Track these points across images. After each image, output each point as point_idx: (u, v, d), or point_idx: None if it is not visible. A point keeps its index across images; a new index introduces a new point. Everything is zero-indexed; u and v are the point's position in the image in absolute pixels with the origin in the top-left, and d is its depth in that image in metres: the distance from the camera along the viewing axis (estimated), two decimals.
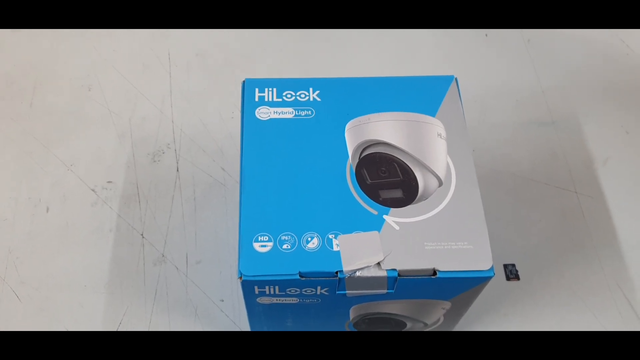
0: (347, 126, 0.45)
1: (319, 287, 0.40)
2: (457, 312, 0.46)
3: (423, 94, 0.46)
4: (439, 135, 0.44)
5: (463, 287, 0.41)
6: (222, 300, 0.56)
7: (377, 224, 0.40)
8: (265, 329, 0.50)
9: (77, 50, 0.73)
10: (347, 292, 0.41)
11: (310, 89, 0.47)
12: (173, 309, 0.56)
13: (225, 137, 0.66)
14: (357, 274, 0.39)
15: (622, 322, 0.56)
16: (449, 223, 0.41)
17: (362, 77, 0.48)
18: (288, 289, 0.40)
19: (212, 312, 0.56)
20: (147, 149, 0.65)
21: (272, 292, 0.41)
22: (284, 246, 0.40)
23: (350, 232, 0.40)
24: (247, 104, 0.46)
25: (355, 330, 0.49)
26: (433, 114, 0.45)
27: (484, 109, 0.69)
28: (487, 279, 0.40)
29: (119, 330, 0.55)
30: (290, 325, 0.48)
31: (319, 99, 0.46)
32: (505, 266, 0.58)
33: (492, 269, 0.39)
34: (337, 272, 0.39)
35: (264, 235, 0.40)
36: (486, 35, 0.76)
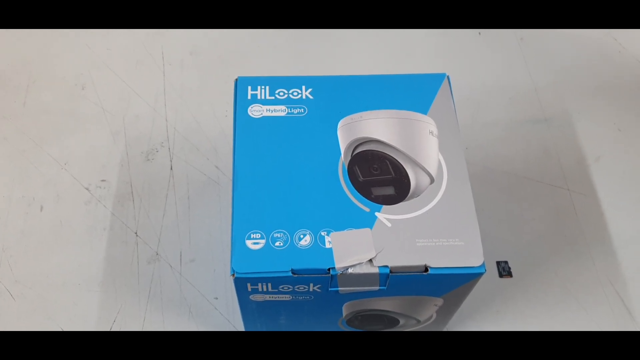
0: (340, 124, 0.45)
1: (311, 284, 0.41)
2: (449, 308, 0.46)
3: (415, 92, 0.47)
4: (431, 132, 0.45)
5: (454, 283, 0.41)
6: (216, 298, 0.56)
7: (369, 221, 0.41)
8: (258, 327, 0.50)
9: (70, 49, 0.73)
10: (339, 289, 0.41)
11: (303, 87, 0.47)
12: (167, 307, 0.56)
13: (218, 135, 0.66)
14: (350, 270, 0.39)
15: (614, 318, 0.56)
16: (441, 220, 0.41)
17: (354, 75, 0.48)
18: (281, 286, 0.41)
19: (206, 310, 0.56)
20: (140, 148, 0.65)
21: (264, 289, 0.41)
22: (277, 243, 0.40)
23: (343, 229, 0.40)
24: (240, 101, 0.46)
25: (349, 327, 0.49)
26: (425, 112, 0.46)
27: (477, 107, 0.69)
28: (479, 275, 0.40)
29: (112, 329, 0.55)
30: (283, 322, 0.48)
31: (311, 97, 0.46)
32: (498, 263, 0.59)
33: (483, 265, 0.40)
34: (329, 269, 0.39)
35: (256, 232, 0.40)
36: (479, 33, 0.76)
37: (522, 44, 0.75)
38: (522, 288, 0.57)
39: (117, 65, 0.72)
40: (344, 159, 0.43)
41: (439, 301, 0.44)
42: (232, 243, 0.40)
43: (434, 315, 0.48)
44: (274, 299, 0.42)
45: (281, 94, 0.46)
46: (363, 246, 0.40)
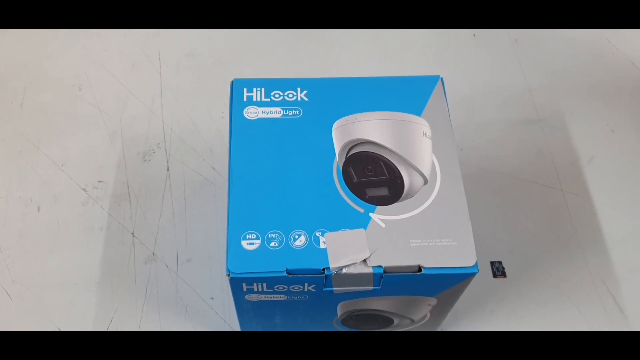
0: (334, 125, 0.45)
1: (306, 284, 0.41)
2: (443, 308, 0.47)
3: (409, 94, 0.47)
4: (425, 134, 0.45)
5: (448, 283, 0.42)
6: (212, 298, 0.57)
7: (363, 222, 0.41)
8: (254, 326, 0.50)
9: (67, 50, 0.74)
10: (334, 289, 0.42)
11: (298, 89, 0.47)
12: (163, 307, 0.56)
13: (215, 136, 0.66)
14: (344, 270, 0.40)
15: (607, 317, 0.57)
16: (434, 220, 0.41)
17: (349, 77, 0.48)
18: (276, 286, 0.41)
19: (202, 309, 0.56)
20: (137, 149, 0.65)
21: (260, 289, 0.41)
22: (272, 244, 0.40)
23: (337, 230, 0.41)
24: (236, 103, 0.46)
25: (344, 326, 0.50)
26: (419, 114, 0.46)
27: (471, 108, 0.70)
28: (471, 275, 0.41)
29: (109, 329, 0.55)
30: (278, 322, 0.48)
31: (306, 99, 0.47)
32: (492, 263, 0.59)
33: (476, 265, 0.40)
34: (324, 269, 0.40)
35: (251, 233, 0.41)
36: (474, 35, 0.76)
37: (516, 45, 0.75)
38: (515, 288, 0.58)
39: (114, 67, 0.72)
40: (338, 160, 0.44)
41: (433, 301, 0.45)
42: (227, 243, 0.40)
43: (428, 315, 0.48)
44: (269, 298, 0.43)
45: (276, 95, 0.47)
46: (357, 246, 0.40)
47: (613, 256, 0.60)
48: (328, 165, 0.43)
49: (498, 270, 0.59)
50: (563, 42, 0.76)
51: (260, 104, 0.46)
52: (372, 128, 0.45)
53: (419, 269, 0.40)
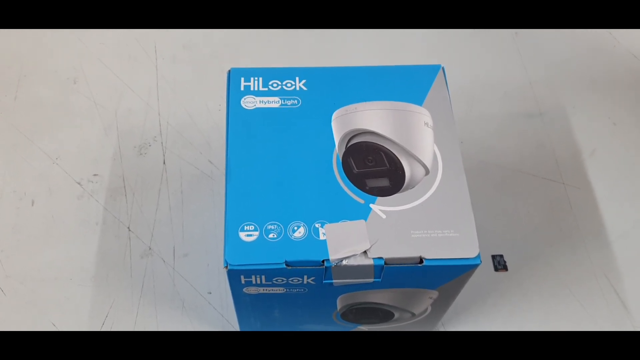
0: (334, 115, 0.44)
1: (305, 277, 0.40)
2: (444, 301, 0.46)
3: (410, 83, 0.46)
4: (426, 124, 0.44)
5: (450, 275, 0.41)
6: (210, 293, 0.56)
7: (363, 213, 0.40)
8: (252, 322, 0.49)
9: (62, 43, 0.73)
10: (333, 281, 0.41)
11: (297, 78, 0.46)
12: (160, 302, 0.55)
13: (212, 129, 0.65)
14: (344, 262, 0.39)
15: (609, 311, 0.56)
16: (436, 211, 0.41)
17: (348, 67, 0.47)
18: (274, 279, 0.40)
19: (199, 304, 0.55)
20: (133, 142, 0.65)
21: (258, 281, 0.40)
22: (270, 235, 0.39)
23: (337, 221, 0.40)
24: (233, 93, 0.46)
25: (343, 320, 0.49)
26: (420, 103, 0.45)
27: (471, 101, 0.69)
28: (474, 266, 0.40)
29: (105, 324, 0.54)
30: (277, 316, 0.48)
31: (305, 88, 0.46)
32: (494, 257, 0.58)
33: (478, 256, 0.39)
34: (323, 261, 0.39)
35: (250, 224, 0.40)
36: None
37: (517, 38, 0.75)
38: (517, 282, 0.57)
39: (109, 59, 0.71)
40: (338, 151, 0.43)
41: (434, 294, 0.44)
42: (225, 235, 0.40)
43: (429, 309, 0.47)
44: (267, 291, 0.42)
45: (275, 85, 0.46)
46: (357, 238, 0.39)
47: (615, 250, 0.59)
48: (328, 156, 0.43)
49: (499, 264, 0.58)
50: (564, 35, 0.75)
51: (258, 93, 0.45)
52: (373, 118, 0.44)
53: (421, 260, 0.39)
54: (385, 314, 0.48)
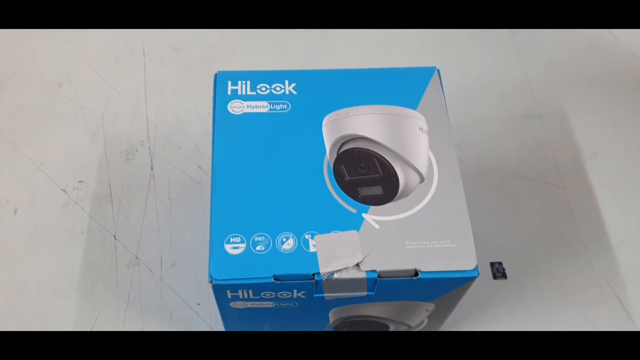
0: (325, 120, 0.43)
1: (295, 291, 0.38)
2: (441, 313, 0.44)
3: (404, 86, 0.44)
4: (421, 129, 0.42)
5: (446, 287, 0.39)
6: (199, 304, 0.54)
7: (355, 223, 0.38)
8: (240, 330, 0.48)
9: (47, 45, 0.71)
10: (325, 295, 0.39)
11: (286, 82, 0.44)
12: (147, 314, 0.53)
13: (201, 133, 0.64)
14: (335, 276, 0.37)
15: (612, 319, 0.54)
16: (431, 221, 0.39)
17: (340, 69, 0.46)
18: (262, 293, 0.38)
19: (187, 316, 0.53)
20: (120, 147, 0.63)
21: (245, 296, 0.39)
22: (258, 247, 0.38)
23: (328, 232, 0.38)
24: (219, 97, 0.44)
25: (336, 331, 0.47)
26: (414, 107, 0.43)
27: (468, 102, 0.67)
28: (472, 279, 0.38)
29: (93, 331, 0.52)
30: (267, 328, 0.46)
31: (295, 92, 0.44)
32: (492, 264, 0.57)
33: (476, 268, 0.38)
34: (314, 275, 0.37)
35: (236, 236, 0.38)
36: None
37: (515, 37, 0.73)
38: (517, 290, 0.55)
39: (96, 62, 0.69)
40: (329, 158, 0.41)
41: (430, 306, 0.42)
42: (210, 247, 0.38)
43: (426, 321, 0.46)
44: (256, 306, 0.40)
45: (263, 89, 0.44)
46: (349, 250, 0.37)
47: (618, 255, 0.58)
48: (318, 163, 0.41)
49: (498, 271, 0.56)
50: (563, 34, 0.73)
51: (245, 97, 0.44)
52: (365, 123, 0.42)
53: (416, 273, 0.37)
54: (379, 326, 0.46)
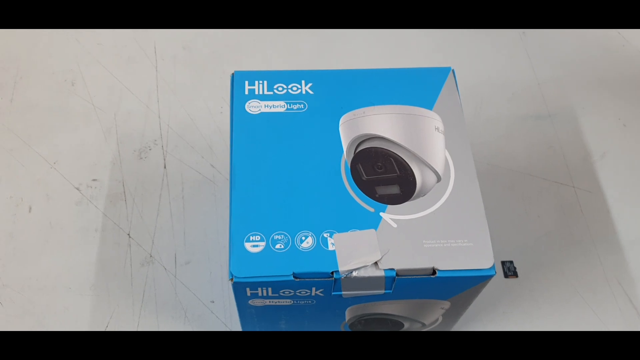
0: (342, 120, 0.43)
1: (313, 288, 0.39)
2: (456, 311, 0.45)
3: (419, 87, 0.45)
4: (437, 128, 0.43)
5: (463, 286, 0.39)
6: (213, 302, 0.54)
7: (373, 222, 0.39)
8: (257, 329, 0.48)
9: (60, 44, 0.71)
10: (343, 293, 0.39)
11: (303, 82, 0.45)
12: (162, 311, 0.54)
13: (214, 132, 0.64)
14: (354, 274, 0.37)
15: (622, 318, 0.54)
16: (449, 220, 0.39)
17: (356, 69, 0.46)
18: (282, 291, 0.39)
19: (202, 313, 0.54)
20: (133, 146, 0.63)
21: (264, 293, 0.39)
22: (277, 246, 0.38)
23: (346, 231, 0.38)
24: (237, 97, 0.44)
25: (351, 330, 0.47)
26: (430, 107, 0.44)
27: (479, 103, 0.68)
28: (489, 277, 0.38)
29: (107, 331, 0.53)
30: (283, 326, 0.46)
31: (311, 92, 0.44)
32: (503, 263, 0.57)
33: (493, 267, 0.38)
34: (332, 273, 0.37)
35: (255, 234, 0.38)
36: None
37: (525, 38, 0.73)
38: (528, 288, 0.56)
39: (108, 61, 0.70)
40: (346, 157, 0.41)
41: (446, 304, 0.43)
42: (230, 246, 0.38)
43: (440, 319, 0.46)
44: (274, 303, 0.41)
45: (280, 89, 0.44)
46: (368, 248, 0.38)
47: (628, 254, 0.58)
48: (335, 162, 0.41)
49: (509, 270, 0.57)
50: (572, 35, 0.74)
51: (262, 97, 0.44)
52: (382, 123, 0.43)
53: (434, 271, 0.38)
54: (394, 324, 0.47)
